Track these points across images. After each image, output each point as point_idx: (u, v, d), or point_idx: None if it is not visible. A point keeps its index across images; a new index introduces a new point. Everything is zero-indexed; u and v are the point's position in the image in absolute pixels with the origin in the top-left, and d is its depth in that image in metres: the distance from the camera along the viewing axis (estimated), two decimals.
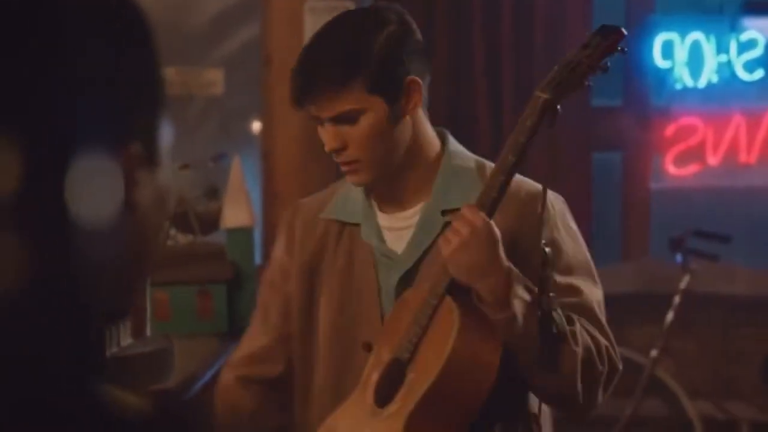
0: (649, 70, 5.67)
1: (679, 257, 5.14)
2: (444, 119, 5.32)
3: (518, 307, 2.13)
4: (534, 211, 2.24)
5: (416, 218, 2.34)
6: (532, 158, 4.17)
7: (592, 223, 5.48)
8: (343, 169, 2.31)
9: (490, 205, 2.16)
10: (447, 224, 2.27)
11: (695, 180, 5.75)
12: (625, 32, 2.17)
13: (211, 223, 4.52)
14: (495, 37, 5.38)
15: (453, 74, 5.37)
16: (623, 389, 5.26)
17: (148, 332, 3.05)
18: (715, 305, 5.46)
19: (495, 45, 5.38)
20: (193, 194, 4.96)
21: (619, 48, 2.16)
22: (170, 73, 5.45)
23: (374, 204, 2.39)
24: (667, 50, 5.67)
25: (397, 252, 2.34)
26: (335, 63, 2.24)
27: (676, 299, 5.13)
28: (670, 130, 5.71)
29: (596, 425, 5.24)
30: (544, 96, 2.15)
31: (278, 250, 2.48)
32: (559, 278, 2.24)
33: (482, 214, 2.15)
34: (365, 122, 2.25)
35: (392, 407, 2.19)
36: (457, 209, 2.25)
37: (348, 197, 2.43)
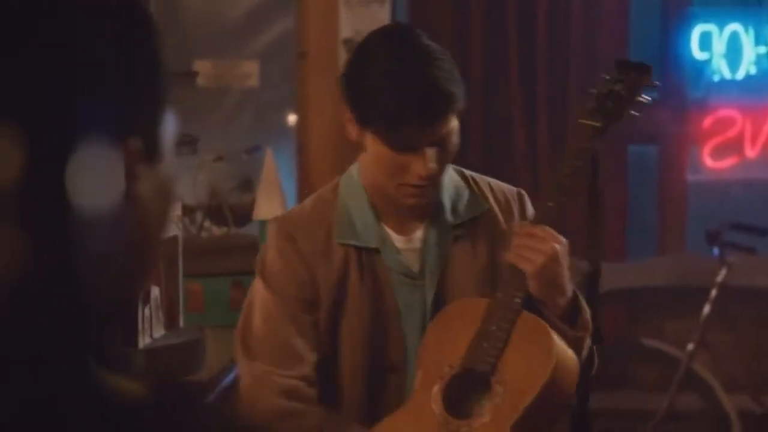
0: (686, 62, 5.63)
1: (716, 250, 5.10)
2: (478, 126, 5.31)
3: (588, 327, 2.28)
4: (513, 210, 2.39)
5: (425, 236, 2.35)
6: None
7: (628, 216, 5.45)
8: (412, 191, 2.26)
9: (553, 223, 2.26)
10: (457, 237, 2.35)
11: (733, 172, 5.70)
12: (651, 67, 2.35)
13: (245, 215, 4.54)
14: (530, 34, 5.34)
15: (487, 79, 5.34)
16: (660, 383, 5.24)
17: (181, 323, 3.06)
18: (753, 298, 5.42)
19: (531, 43, 5.33)
20: (228, 186, 4.98)
21: (653, 83, 2.33)
22: (206, 66, 5.47)
23: (384, 226, 2.36)
24: (705, 42, 5.62)
25: (416, 272, 2.35)
26: (453, 83, 2.22)
27: (713, 293, 5.09)
28: (707, 122, 5.67)
29: (633, 419, 5.22)
30: (597, 125, 2.31)
31: (290, 266, 2.33)
32: None
33: (556, 233, 2.25)
34: (456, 140, 2.26)
35: (482, 418, 2.22)
36: (462, 223, 2.35)
37: (352, 219, 2.35)
